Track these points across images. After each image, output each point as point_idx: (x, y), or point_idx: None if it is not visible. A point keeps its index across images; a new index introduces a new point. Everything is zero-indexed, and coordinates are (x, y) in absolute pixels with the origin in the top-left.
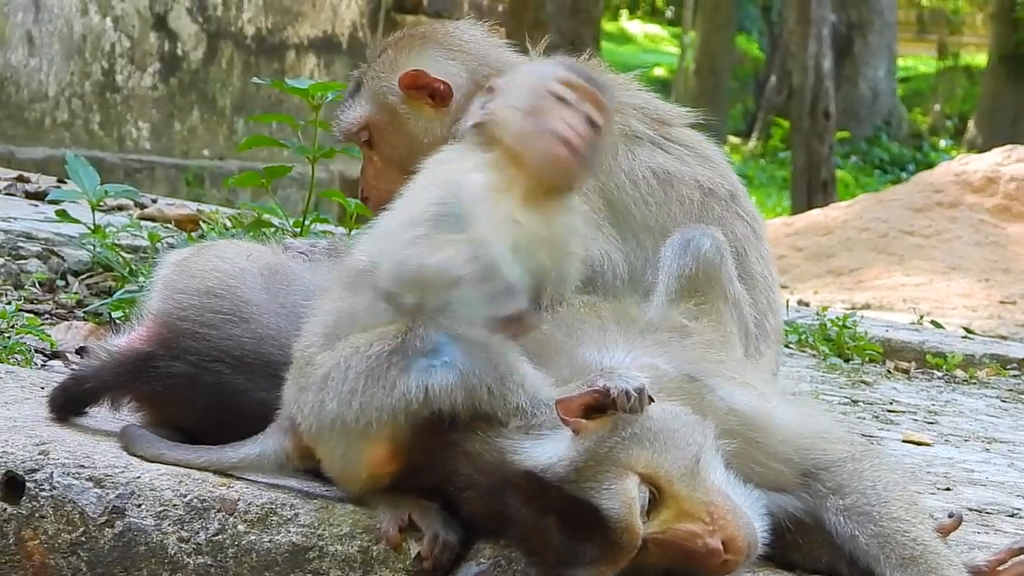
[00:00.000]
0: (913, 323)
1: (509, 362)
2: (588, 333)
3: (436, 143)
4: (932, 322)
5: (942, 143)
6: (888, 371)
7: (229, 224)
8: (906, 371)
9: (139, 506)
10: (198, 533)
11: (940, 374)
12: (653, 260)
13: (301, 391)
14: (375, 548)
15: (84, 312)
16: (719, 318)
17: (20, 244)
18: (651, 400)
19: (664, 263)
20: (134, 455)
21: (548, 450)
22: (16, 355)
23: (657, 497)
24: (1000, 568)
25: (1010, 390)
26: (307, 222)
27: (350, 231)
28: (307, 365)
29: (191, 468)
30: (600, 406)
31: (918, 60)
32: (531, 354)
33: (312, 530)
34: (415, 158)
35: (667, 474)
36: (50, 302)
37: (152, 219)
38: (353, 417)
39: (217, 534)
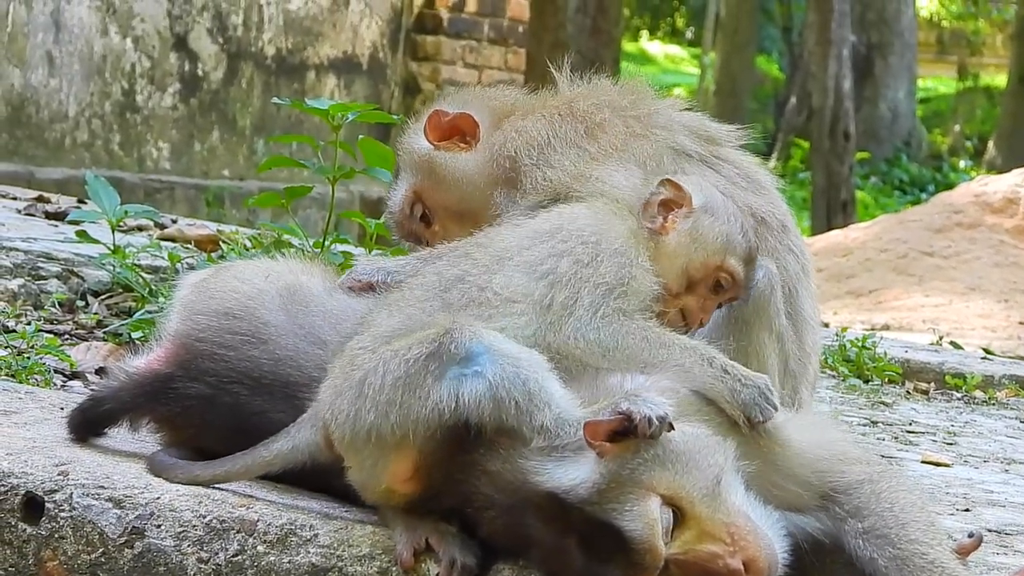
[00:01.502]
0: (932, 344)
1: (540, 379)
2: None
3: (483, 184)
4: (951, 343)
5: (962, 164)
6: (907, 392)
7: (249, 245)
8: (925, 392)
9: (159, 527)
10: (218, 554)
11: (959, 395)
12: None
13: (337, 395)
14: (394, 569)
15: (104, 332)
16: (760, 350)
17: (40, 264)
18: (671, 428)
19: None
20: (168, 481)
21: (571, 472)
22: (36, 375)
23: (678, 518)
24: None
25: None
26: (327, 243)
27: (369, 251)
28: (350, 365)
29: (232, 479)
30: (624, 430)
31: (938, 81)
32: (557, 371)
33: (331, 551)
34: (471, 207)
35: (688, 495)
36: (70, 322)
37: (172, 239)
38: (389, 429)
39: (236, 555)
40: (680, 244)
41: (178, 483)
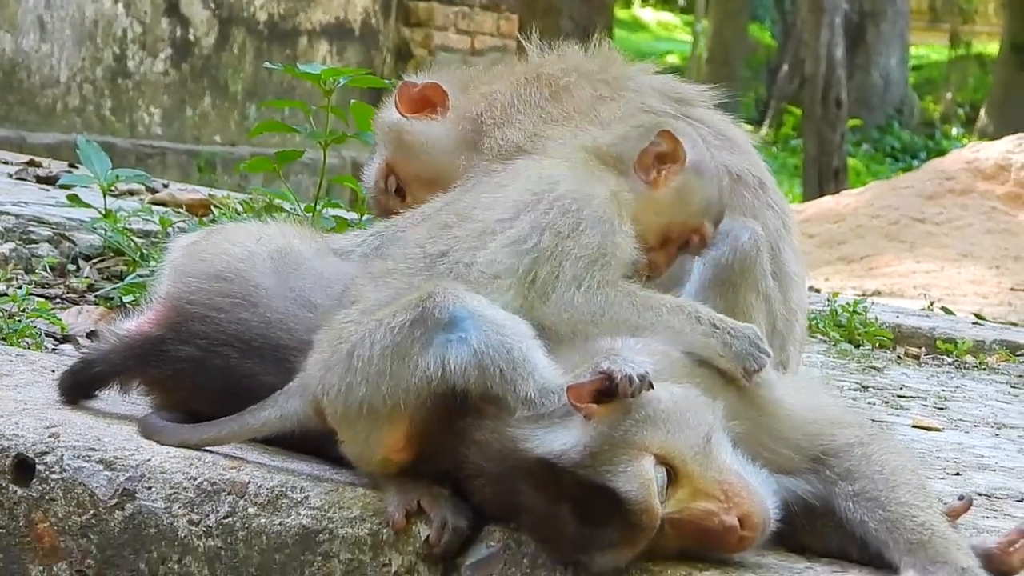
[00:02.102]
0: (923, 309)
1: (524, 348)
2: None
3: (452, 150)
4: (943, 308)
5: (954, 131)
6: (898, 357)
7: (240, 209)
8: (916, 357)
9: (149, 489)
10: (208, 516)
11: (950, 360)
12: None
13: (327, 369)
14: (385, 531)
15: (95, 296)
16: (748, 312)
17: (31, 228)
18: (651, 386)
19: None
20: (159, 443)
21: (561, 437)
22: (27, 339)
23: (671, 477)
24: (1011, 549)
25: (1020, 376)
26: (319, 207)
27: (361, 216)
28: (337, 338)
29: (219, 443)
30: (607, 390)
31: (930, 49)
32: (547, 336)
33: (322, 513)
34: (441, 175)
35: (681, 454)
36: (61, 286)
37: (163, 204)
38: (380, 400)
39: (227, 517)
40: (666, 202)
41: (168, 445)
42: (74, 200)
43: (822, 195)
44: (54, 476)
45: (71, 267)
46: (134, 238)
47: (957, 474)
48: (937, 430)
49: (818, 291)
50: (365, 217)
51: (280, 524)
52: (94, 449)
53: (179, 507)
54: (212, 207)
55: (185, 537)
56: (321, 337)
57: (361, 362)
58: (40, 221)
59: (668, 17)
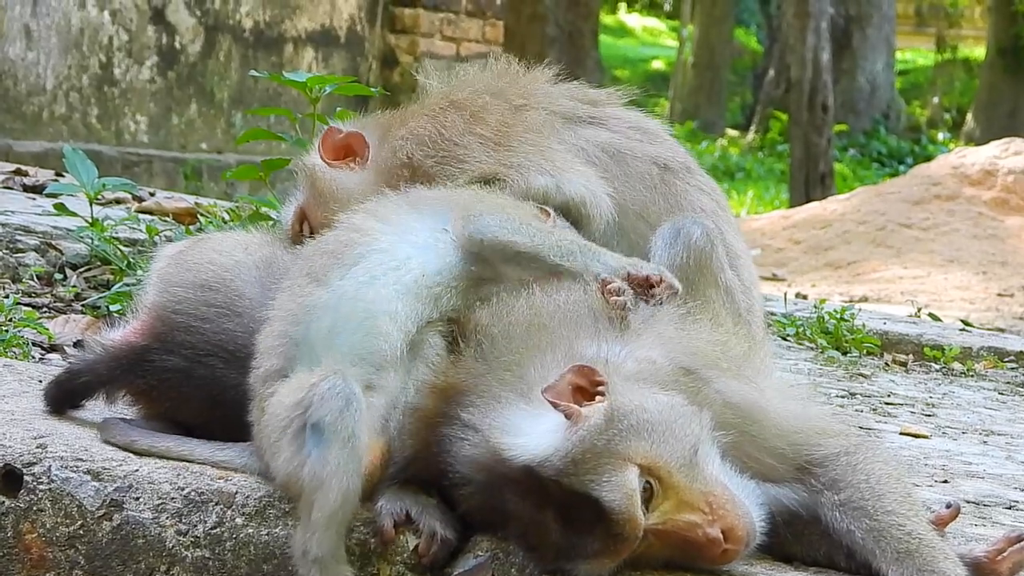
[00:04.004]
0: (911, 316)
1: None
2: (585, 325)
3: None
4: (930, 315)
5: (940, 136)
6: (886, 364)
7: (227, 217)
8: (904, 364)
9: (137, 499)
10: (196, 526)
11: (938, 367)
12: (637, 244)
13: (261, 450)
14: (373, 541)
15: (82, 305)
16: (711, 307)
17: (18, 237)
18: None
19: (655, 253)
20: (107, 443)
21: (542, 442)
22: (14, 348)
23: (656, 488)
24: (1000, 558)
25: (1007, 383)
26: None
27: None
28: (261, 410)
29: (165, 458)
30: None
31: (916, 53)
32: (528, 345)
33: None
34: None
35: (666, 465)
36: (48, 295)
37: (150, 212)
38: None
39: (215, 527)
40: None
41: (113, 446)
42: (61, 209)
43: (809, 200)
44: (42, 487)
45: (58, 276)
46: (121, 247)
47: (945, 481)
48: (925, 437)
49: (805, 297)
50: None
51: (268, 534)
52: (82, 460)
53: (167, 517)
54: (198, 216)
55: (173, 547)
56: (254, 401)
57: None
58: (27, 230)
59: (654, 23)
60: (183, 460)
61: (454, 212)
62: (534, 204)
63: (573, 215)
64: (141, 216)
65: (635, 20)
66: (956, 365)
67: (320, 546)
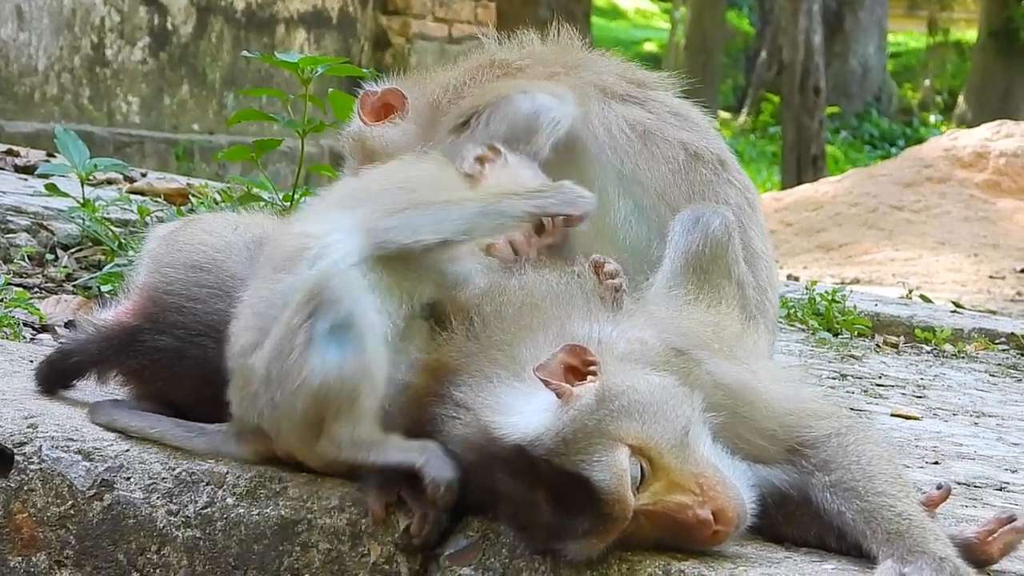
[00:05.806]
0: (902, 298)
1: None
2: (577, 305)
3: (417, 146)
4: (921, 296)
5: (932, 118)
6: (877, 345)
7: (219, 198)
8: (895, 345)
9: (128, 479)
10: (187, 506)
11: (929, 348)
12: (656, 224)
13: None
14: (363, 521)
15: (73, 286)
16: (721, 297)
17: (9, 218)
18: None
19: (672, 238)
20: (92, 420)
21: (533, 421)
22: (5, 328)
23: (647, 469)
24: (990, 538)
25: (998, 364)
26: (297, 196)
27: None
28: (248, 377)
29: (142, 437)
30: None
31: (908, 36)
32: (520, 324)
33: (301, 503)
34: None
35: (657, 446)
36: (39, 276)
37: (142, 193)
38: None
39: (206, 507)
40: None
41: (96, 424)
42: (52, 189)
43: (800, 183)
44: (33, 467)
45: (49, 257)
46: (112, 227)
47: (936, 463)
48: (916, 419)
49: (796, 279)
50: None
51: (259, 514)
52: (72, 440)
53: (158, 497)
54: (190, 196)
55: (164, 527)
56: (233, 379)
57: (277, 386)
58: (18, 210)
59: (646, 5)
60: (156, 441)
61: (359, 221)
62: (472, 156)
63: (536, 125)
64: (133, 197)
65: (627, 2)
66: (947, 347)
67: (371, 433)
